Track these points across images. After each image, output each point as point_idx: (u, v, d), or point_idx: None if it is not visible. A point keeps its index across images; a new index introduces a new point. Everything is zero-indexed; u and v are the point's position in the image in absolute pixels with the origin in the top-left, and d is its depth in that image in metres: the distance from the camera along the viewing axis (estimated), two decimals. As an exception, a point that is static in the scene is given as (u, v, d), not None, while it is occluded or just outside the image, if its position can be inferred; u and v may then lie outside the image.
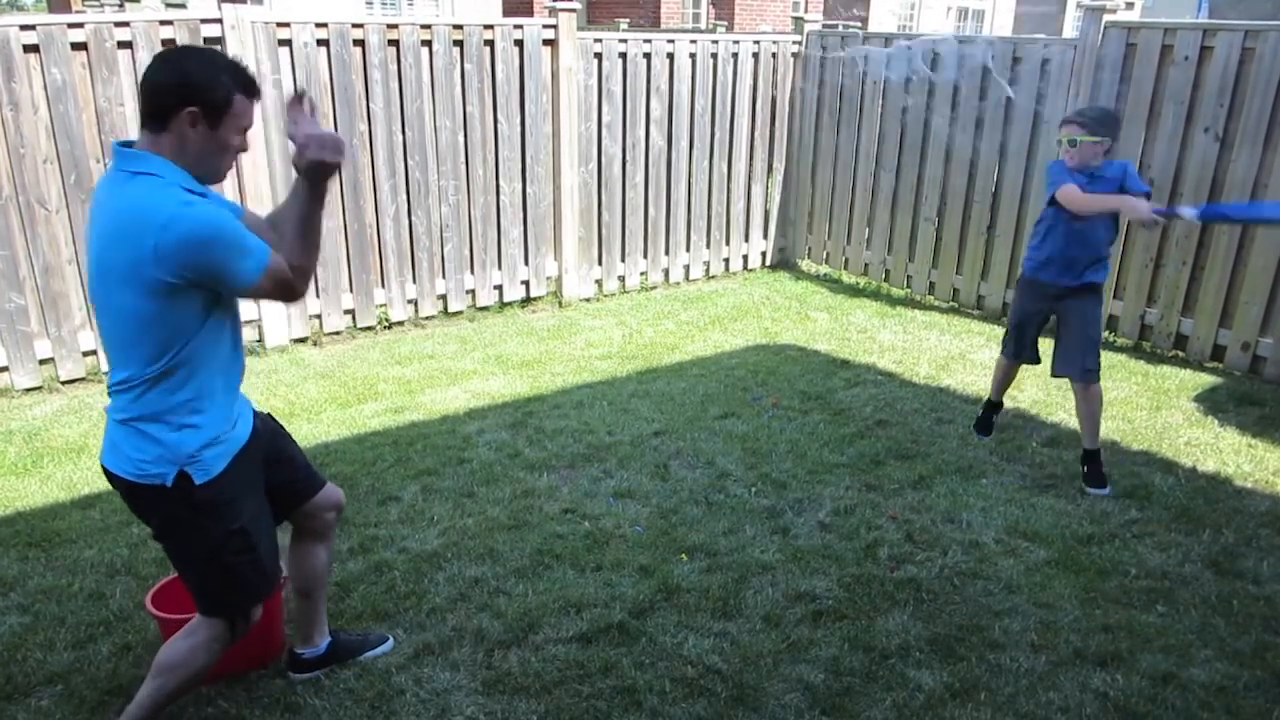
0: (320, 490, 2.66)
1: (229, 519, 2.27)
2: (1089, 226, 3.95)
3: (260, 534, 2.36)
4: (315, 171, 2.20)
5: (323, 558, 2.73)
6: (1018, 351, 4.37)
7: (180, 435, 2.18)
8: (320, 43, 5.55)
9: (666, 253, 7.34)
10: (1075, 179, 3.90)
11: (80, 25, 4.85)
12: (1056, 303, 4.13)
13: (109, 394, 2.22)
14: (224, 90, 2.12)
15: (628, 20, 16.31)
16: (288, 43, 5.44)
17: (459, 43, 6.00)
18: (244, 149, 2.25)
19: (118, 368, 2.18)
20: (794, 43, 7.51)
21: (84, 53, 4.87)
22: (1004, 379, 4.53)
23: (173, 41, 5.10)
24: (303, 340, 5.88)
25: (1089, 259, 4.00)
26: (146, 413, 2.16)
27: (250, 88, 2.18)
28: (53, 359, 5.09)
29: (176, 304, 2.09)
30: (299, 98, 2.26)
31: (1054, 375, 4.17)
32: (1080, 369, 4.05)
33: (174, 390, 2.16)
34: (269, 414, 2.64)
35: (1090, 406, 4.08)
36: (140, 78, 2.17)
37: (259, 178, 5.49)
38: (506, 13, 19.12)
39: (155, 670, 2.38)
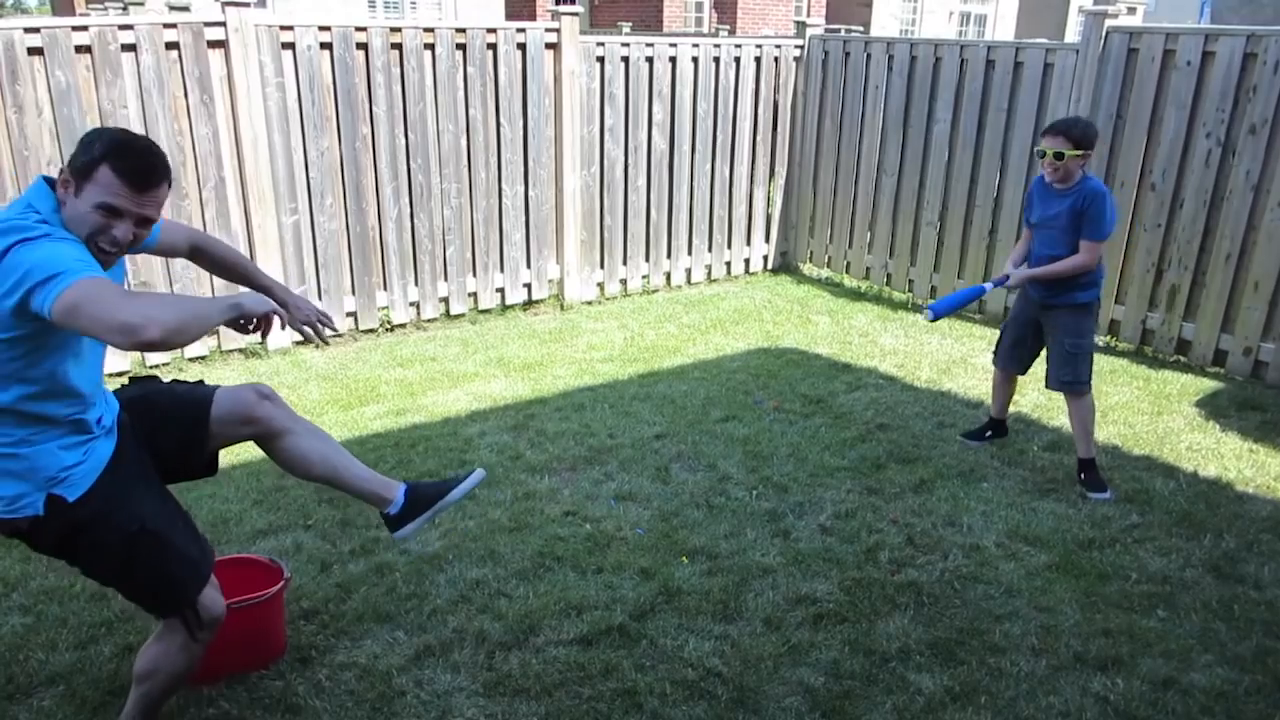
0: (213, 404, 2.41)
1: (124, 523, 2.17)
2: (1052, 247, 3.99)
3: (167, 525, 2.25)
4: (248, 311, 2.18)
5: (305, 444, 2.50)
6: (995, 351, 4.42)
7: (36, 463, 2.09)
8: (323, 46, 5.57)
9: (668, 256, 7.34)
10: (1040, 202, 4.02)
11: (84, 28, 4.87)
12: (1043, 315, 4.15)
13: None
14: (91, 159, 2.03)
15: (630, 24, 16.33)
16: (291, 46, 5.46)
17: (462, 46, 6.01)
18: (108, 231, 2.05)
19: None
20: (796, 47, 7.52)
21: (88, 55, 4.89)
22: (997, 391, 4.51)
23: (176, 45, 5.12)
24: (304, 343, 5.89)
25: (1065, 278, 3.99)
26: None
27: (125, 168, 2.04)
28: None
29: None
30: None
31: (1047, 388, 4.22)
32: (1056, 381, 4.10)
33: (19, 425, 2.07)
34: (136, 379, 2.51)
35: (1078, 415, 4.11)
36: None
37: (261, 181, 5.51)
38: (509, 16, 19.16)
39: (136, 678, 2.38)
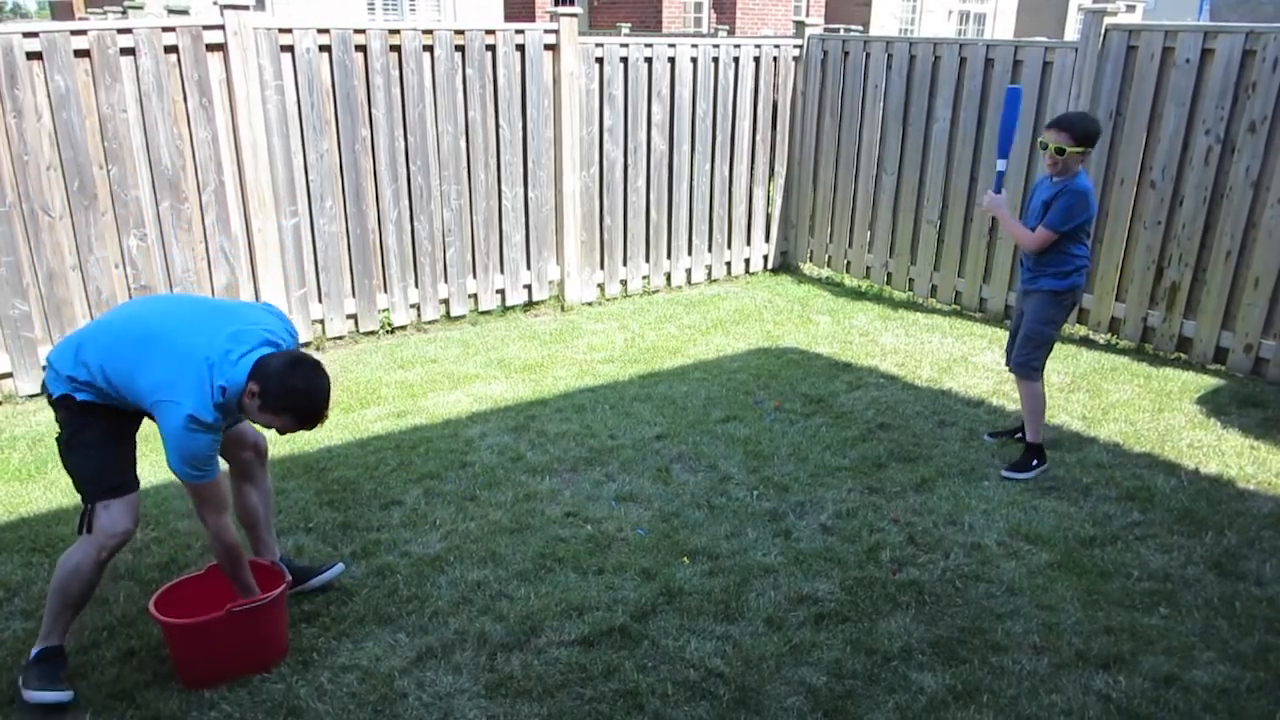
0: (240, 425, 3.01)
1: (83, 425, 2.74)
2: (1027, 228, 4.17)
3: (101, 445, 2.75)
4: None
5: (251, 497, 3.11)
6: (1007, 351, 4.51)
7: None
8: (322, 49, 5.57)
9: (668, 256, 7.34)
10: (1038, 190, 4.16)
11: (83, 32, 4.87)
12: (1025, 302, 4.29)
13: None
14: (286, 405, 2.65)
15: (629, 24, 16.33)
16: (290, 49, 5.46)
17: (461, 48, 6.02)
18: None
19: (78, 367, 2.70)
20: (795, 46, 7.52)
21: (87, 60, 4.89)
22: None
23: (175, 48, 5.12)
24: (305, 345, 5.89)
25: (1032, 263, 4.15)
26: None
27: (304, 425, 2.70)
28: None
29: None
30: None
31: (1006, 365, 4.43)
32: (1013, 360, 4.29)
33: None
34: None
35: (1023, 398, 4.28)
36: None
37: (261, 184, 5.51)
38: (508, 18, 19.17)
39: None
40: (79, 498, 2.78)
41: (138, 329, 2.70)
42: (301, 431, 2.74)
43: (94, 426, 2.74)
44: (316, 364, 2.71)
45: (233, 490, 3.06)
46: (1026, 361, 4.20)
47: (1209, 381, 5.42)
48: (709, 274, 7.63)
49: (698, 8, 20.95)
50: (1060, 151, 3.88)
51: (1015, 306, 4.44)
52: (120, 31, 4.96)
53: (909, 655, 2.98)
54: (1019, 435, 4.54)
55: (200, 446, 2.60)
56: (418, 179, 6.05)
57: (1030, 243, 4.06)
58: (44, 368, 2.83)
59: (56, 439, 2.82)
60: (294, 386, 2.64)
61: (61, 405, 2.75)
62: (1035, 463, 4.22)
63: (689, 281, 7.53)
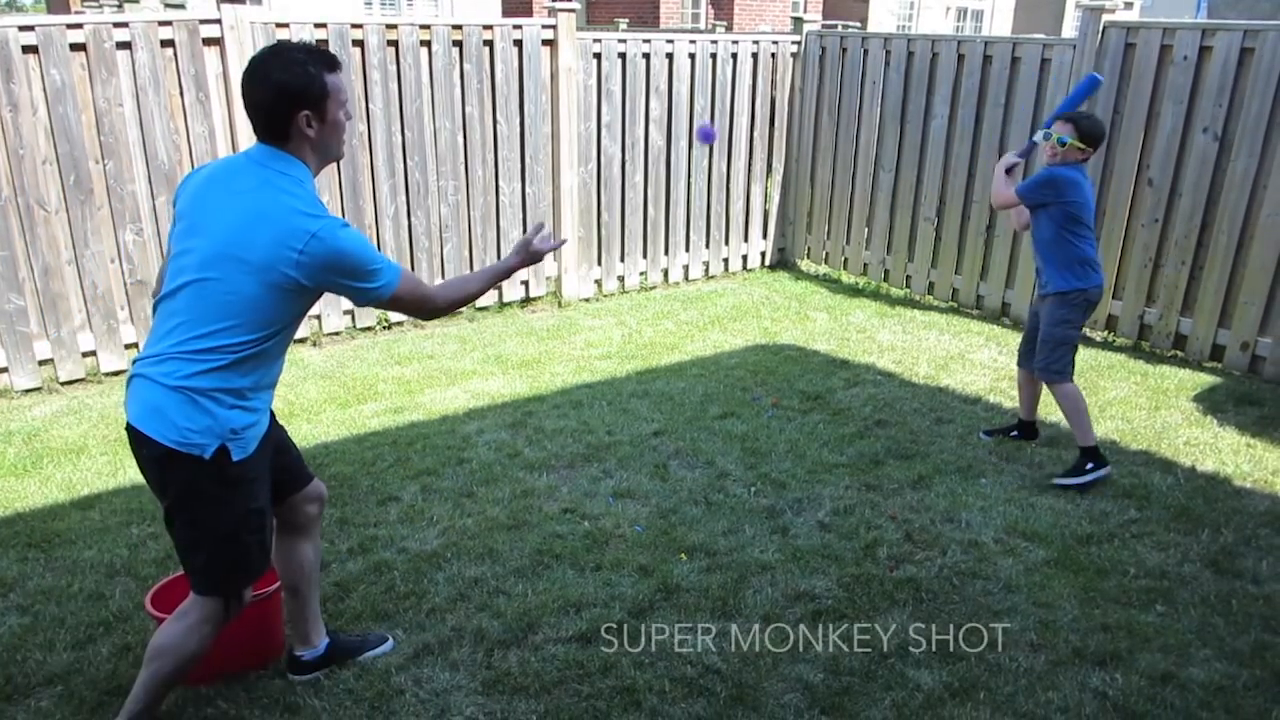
0: (309, 483, 2.71)
1: (252, 497, 2.36)
2: (1033, 229, 4.16)
3: (270, 515, 2.46)
4: (527, 260, 2.64)
5: (308, 554, 2.73)
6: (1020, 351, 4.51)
7: (231, 413, 2.27)
8: (319, 43, 5.56)
9: (666, 253, 7.34)
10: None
11: (79, 26, 4.85)
12: (1040, 305, 4.26)
13: (161, 359, 2.24)
14: (317, 82, 2.24)
15: (627, 20, 16.31)
16: (287, 43, 5.44)
17: (458, 43, 6.00)
18: (350, 118, 2.39)
19: (205, 336, 2.21)
20: (793, 43, 7.51)
21: (83, 53, 4.87)
22: (1020, 391, 4.55)
23: (172, 42, 5.11)
24: (302, 341, 5.88)
25: (1041, 264, 4.14)
26: (213, 386, 2.23)
27: (333, 64, 2.28)
28: (52, 360, 5.09)
29: (293, 300, 2.27)
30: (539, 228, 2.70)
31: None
32: (1037, 367, 4.23)
33: (248, 372, 2.28)
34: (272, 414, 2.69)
35: (1060, 405, 4.20)
36: (244, 98, 2.27)
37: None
38: (506, 13, 19.13)
39: (149, 656, 2.40)
40: (194, 573, 2.40)
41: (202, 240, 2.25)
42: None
43: (259, 510, 2.37)
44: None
45: (285, 548, 2.71)
46: (1048, 365, 4.13)
47: (1205, 379, 5.43)
48: (706, 270, 7.63)
49: (695, 3, 20.92)
50: (1061, 143, 3.92)
51: (1032, 311, 4.41)
52: (116, 25, 4.95)
53: (906, 652, 2.98)
54: (1014, 434, 4.55)
55: (361, 242, 2.28)
56: (415, 174, 6.04)
57: (995, 199, 4.18)
58: (131, 424, 2.27)
59: (184, 523, 2.33)
60: (294, 56, 2.25)
61: (208, 476, 2.25)
62: (1090, 466, 4.06)
63: (686, 278, 7.52)
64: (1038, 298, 4.29)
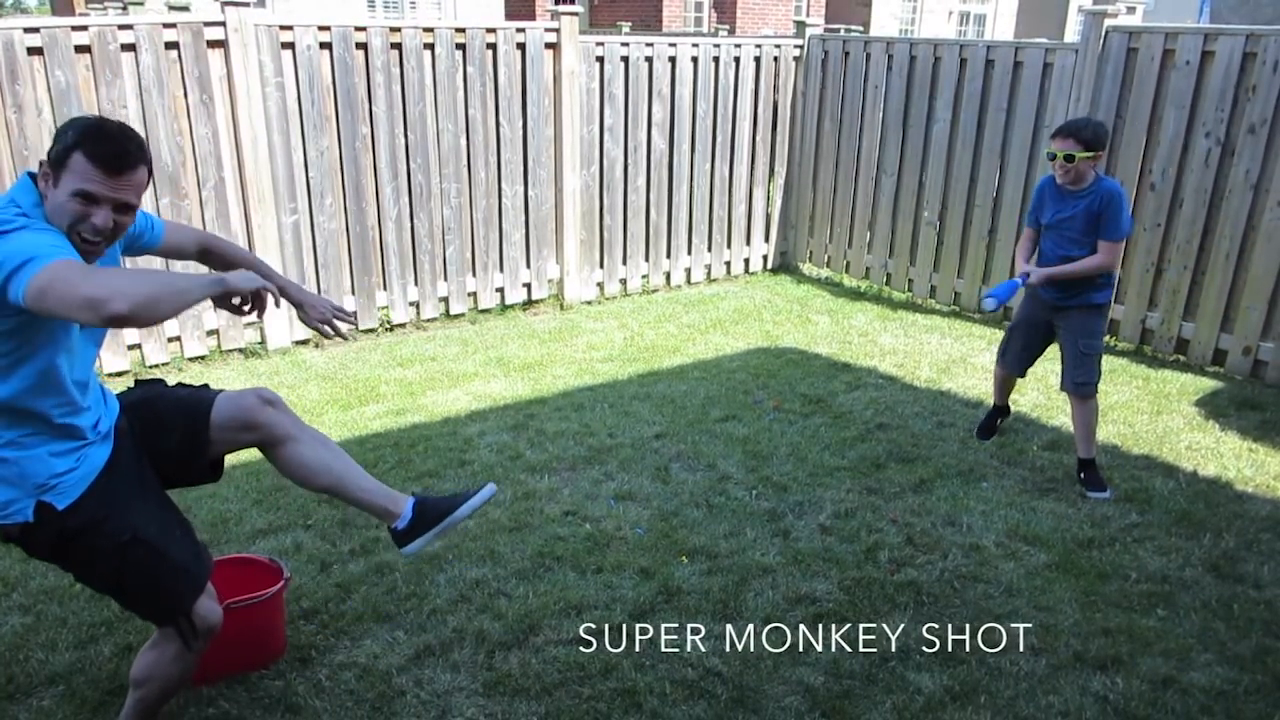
0: (213, 409, 2.36)
1: (116, 533, 2.13)
2: (1068, 250, 3.97)
3: (161, 535, 2.19)
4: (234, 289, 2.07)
5: (305, 455, 2.42)
6: (1002, 352, 4.44)
7: (15, 468, 2.05)
8: (323, 45, 5.57)
9: (668, 256, 7.34)
10: (1051, 203, 3.99)
11: (84, 28, 4.87)
12: (1055, 316, 4.13)
13: None
14: (64, 146, 2.01)
15: (630, 23, 16.33)
16: (290, 46, 5.46)
17: (461, 46, 6.01)
18: (87, 219, 2.01)
19: None
20: (795, 46, 7.52)
21: (88, 55, 4.89)
22: (999, 386, 4.58)
23: (176, 44, 5.12)
24: (304, 342, 5.89)
25: (1081, 279, 3.98)
26: None
27: (99, 154, 2.00)
28: None
29: None
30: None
31: (1060, 389, 4.22)
32: (1070, 383, 4.08)
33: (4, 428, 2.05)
34: (142, 381, 2.49)
35: (1083, 417, 4.11)
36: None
37: (261, 181, 5.51)
38: (509, 16, 19.16)
39: (132, 683, 2.38)
40: (136, 613, 2.34)
41: None
42: (119, 189, 2.02)
43: (132, 541, 2.13)
44: None
45: (281, 466, 2.45)
46: (1089, 379, 4.02)
47: (1207, 384, 5.43)
48: (708, 273, 7.63)
49: (698, 7, 20.94)
50: (1070, 159, 3.80)
51: (1025, 317, 4.26)
52: (121, 27, 4.96)
53: (907, 655, 2.98)
54: (1000, 421, 4.60)
55: (39, 237, 1.92)
56: (418, 177, 6.05)
57: (1107, 263, 3.88)
58: None
59: (84, 579, 2.24)
60: (72, 123, 2.05)
61: (54, 536, 2.09)
62: (1096, 474, 4.10)
63: (688, 281, 7.53)
64: (1047, 307, 4.12)
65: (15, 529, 2.09)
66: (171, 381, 2.57)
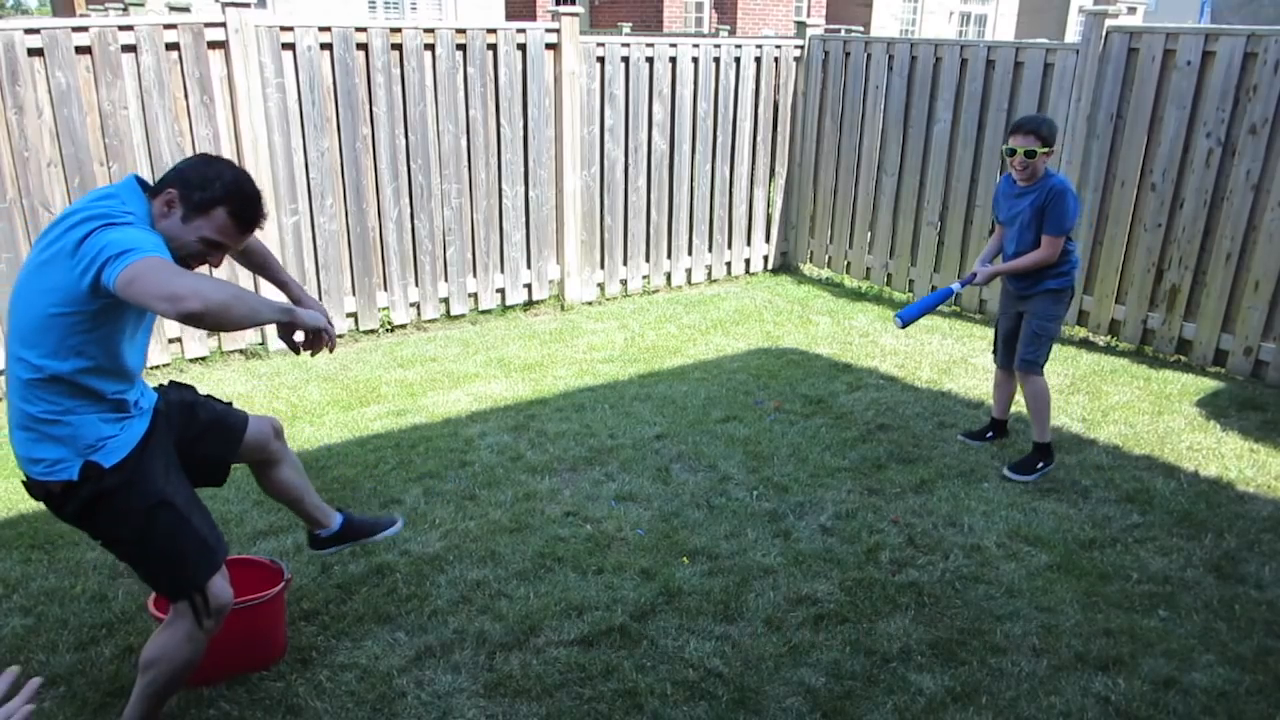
0: (245, 432, 2.67)
1: (148, 495, 2.28)
2: (1018, 242, 4.14)
3: (186, 505, 2.36)
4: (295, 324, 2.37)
5: (288, 476, 2.81)
6: (993, 350, 4.54)
7: (75, 430, 2.21)
8: (323, 46, 5.57)
9: (668, 256, 7.34)
10: (1005, 200, 4.17)
11: (84, 29, 4.87)
12: (1022, 305, 4.27)
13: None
14: (210, 195, 2.22)
15: (630, 24, 16.33)
16: (291, 46, 5.46)
17: (462, 46, 6.01)
18: (204, 259, 2.29)
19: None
20: (796, 47, 7.52)
21: (88, 56, 4.89)
22: (998, 390, 4.57)
23: (177, 45, 5.12)
24: (307, 350, 5.87)
25: (1035, 270, 4.12)
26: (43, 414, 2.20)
27: (242, 217, 2.26)
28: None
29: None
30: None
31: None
32: (1018, 359, 4.25)
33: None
34: (177, 384, 2.66)
35: (1030, 400, 4.23)
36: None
37: (261, 181, 5.50)
38: (509, 16, 19.17)
39: (142, 666, 2.40)
40: (154, 586, 2.43)
41: (22, 307, 2.16)
42: (241, 241, 2.30)
43: (162, 503, 2.28)
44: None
45: (264, 482, 2.83)
46: (1034, 359, 4.19)
47: (1209, 384, 5.42)
48: (709, 274, 7.63)
49: (699, 8, 20.95)
50: (1030, 154, 3.93)
51: (1002, 309, 4.41)
52: (122, 28, 4.96)
53: (908, 656, 2.98)
54: (989, 435, 4.58)
55: (147, 236, 2.10)
56: (418, 177, 6.05)
57: (1046, 257, 4.03)
58: (25, 475, 2.29)
59: (110, 545, 2.37)
60: (219, 172, 2.25)
61: (93, 494, 2.23)
62: (1041, 464, 4.22)
63: (689, 281, 7.53)
64: (1014, 297, 4.29)
65: (58, 486, 2.23)
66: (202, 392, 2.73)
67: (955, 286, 4.32)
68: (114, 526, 2.30)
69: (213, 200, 2.22)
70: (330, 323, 2.50)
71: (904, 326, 4.21)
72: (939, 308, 4.60)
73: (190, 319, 1.96)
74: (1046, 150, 3.94)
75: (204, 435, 2.59)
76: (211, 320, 2.00)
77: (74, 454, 2.21)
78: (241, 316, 2.08)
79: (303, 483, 2.88)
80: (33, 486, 2.28)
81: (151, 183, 2.29)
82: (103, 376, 2.21)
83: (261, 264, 2.79)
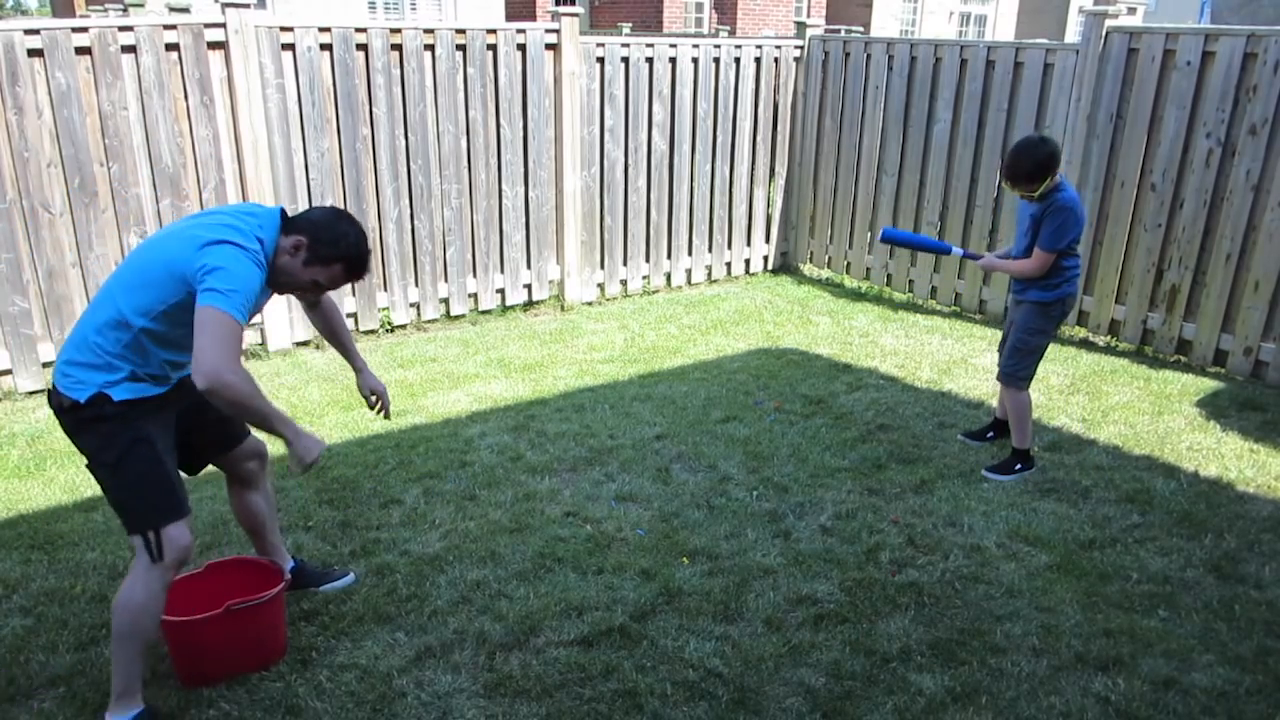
0: (243, 441, 2.92)
1: (134, 429, 2.50)
2: (1020, 247, 4.18)
3: (165, 452, 2.57)
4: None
5: (258, 503, 3.02)
6: (998, 350, 4.53)
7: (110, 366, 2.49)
8: (323, 47, 5.57)
9: (668, 256, 7.35)
10: (1021, 203, 4.17)
11: (84, 29, 4.87)
12: (1014, 311, 4.31)
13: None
14: (336, 252, 2.58)
15: (630, 24, 16.34)
16: (291, 47, 5.46)
17: (462, 47, 6.01)
18: (304, 297, 2.85)
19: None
20: (796, 47, 7.52)
21: (88, 57, 4.89)
22: (1001, 392, 4.56)
23: (176, 46, 5.12)
24: (305, 343, 5.89)
25: (1028, 276, 4.15)
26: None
27: (354, 275, 2.66)
28: (55, 362, 5.10)
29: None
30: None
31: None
32: (1001, 370, 4.29)
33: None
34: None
35: (1011, 408, 4.26)
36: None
37: (261, 182, 5.51)
38: (509, 17, 19.17)
39: (113, 616, 2.53)
40: (121, 523, 2.57)
41: (138, 258, 2.51)
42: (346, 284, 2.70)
43: (144, 440, 2.50)
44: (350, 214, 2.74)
45: (236, 500, 3.02)
46: (1014, 372, 4.20)
47: (1209, 384, 5.42)
48: (709, 274, 7.63)
49: (699, 8, 20.95)
50: (1030, 194, 3.96)
51: (1008, 314, 4.45)
52: (121, 29, 4.96)
53: (908, 656, 2.98)
54: (990, 435, 4.58)
55: (254, 278, 2.42)
56: (418, 178, 6.05)
57: (1031, 269, 4.04)
58: (52, 381, 2.53)
59: (92, 466, 2.53)
60: (345, 232, 2.60)
61: (93, 415, 2.45)
62: (1019, 466, 4.24)
63: (689, 282, 7.53)
64: (1014, 302, 4.31)
65: (69, 401, 2.47)
66: None
67: (956, 250, 4.35)
68: (100, 450, 2.50)
69: (336, 257, 2.58)
70: (318, 457, 2.64)
71: (884, 241, 4.35)
72: (929, 255, 4.64)
73: (200, 379, 2.29)
74: (1044, 183, 3.89)
75: (206, 425, 2.78)
76: (215, 396, 2.32)
77: (95, 383, 2.44)
78: (249, 412, 2.43)
79: (270, 516, 3.07)
80: (52, 394, 2.52)
81: (289, 215, 2.62)
82: (163, 347, 2.49)
83: (330, 328, 3.07)
